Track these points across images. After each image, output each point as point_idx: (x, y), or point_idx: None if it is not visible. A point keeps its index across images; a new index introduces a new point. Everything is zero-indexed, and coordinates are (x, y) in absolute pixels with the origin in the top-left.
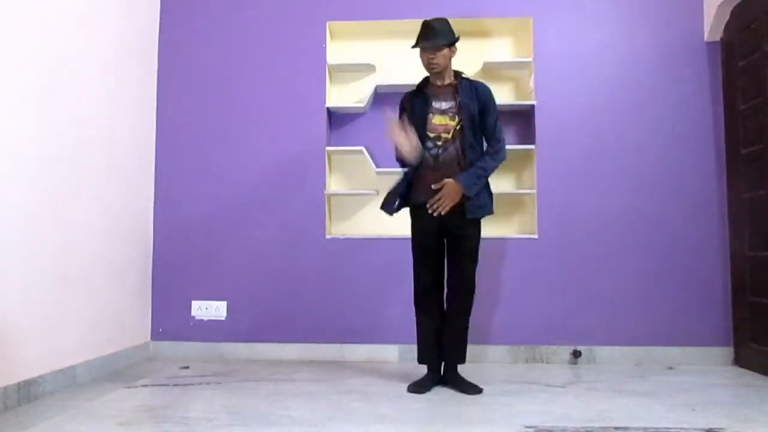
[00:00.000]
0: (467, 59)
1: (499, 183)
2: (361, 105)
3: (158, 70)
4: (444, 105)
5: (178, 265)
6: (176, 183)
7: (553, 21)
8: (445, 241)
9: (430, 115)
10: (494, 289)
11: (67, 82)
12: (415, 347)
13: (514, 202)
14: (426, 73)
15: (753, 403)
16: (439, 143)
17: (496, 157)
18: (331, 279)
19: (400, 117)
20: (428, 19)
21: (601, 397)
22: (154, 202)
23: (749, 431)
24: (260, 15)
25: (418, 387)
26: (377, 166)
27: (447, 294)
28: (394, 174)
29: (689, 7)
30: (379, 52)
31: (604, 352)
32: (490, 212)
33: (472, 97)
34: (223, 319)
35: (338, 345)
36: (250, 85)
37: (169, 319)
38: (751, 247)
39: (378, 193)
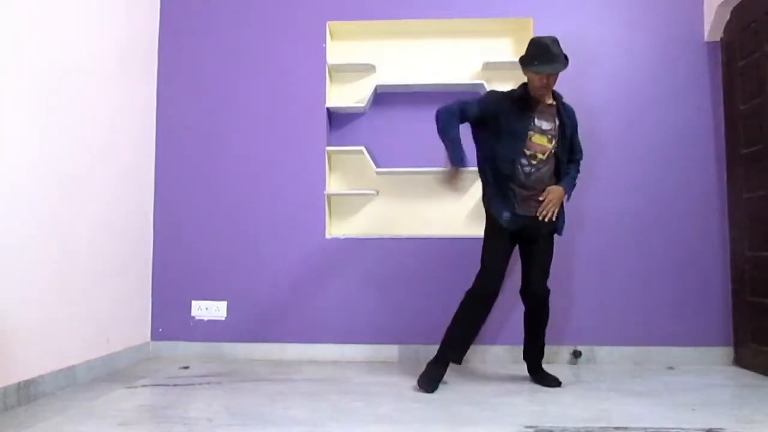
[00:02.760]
0: (467, 59)
1: None
2: (361, 105)
3: (158, 70)
4: (545, 125)
5: (178, 265)
6: (176, 183)
7: (553, 21)
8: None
9: (531, 132)
10: None
11: (67, 83)
12: (414, 347)
13: None
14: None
15: (753, 403)
16: (534, 162)
17: (578, 168)
18: (331, 279)
19: (482, 109)
20: (541, 37)
21: (601, 397)
22: (154, 202)
23: (749, 431)
24: (260, 15)
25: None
26: (377, 166)
27: (528, 301)
28: (394, 174)
29: (689, 7)
30: (379, 52)
31: (604, 352)
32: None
33: (568, 120)
34: (223, 319)
35: (338, 345)
36: (250, 85)
37: (169, 319)
38: (751, 247)
39: (378, 193)
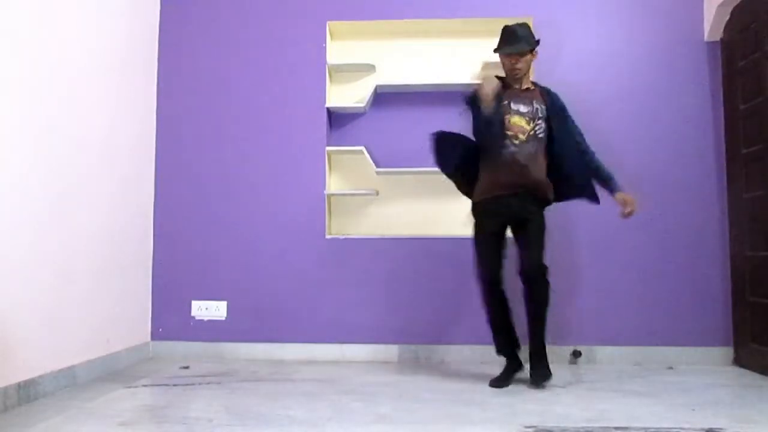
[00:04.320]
0: (467, 59)
1: None
2: (361, 105)
3: (158, 70)
4: (522, 108)
5: (178, 265)
6: (176, 183)
7: (553, 21)
8: (509, 228)
9: (508, 116)
10: None
11: (68, 84)
12: (414, 347)
13: None
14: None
15: (753, 403)
16: (516, 142)
17: (595, 157)
18: (331, 279)
19: (467, 104)
20: (509, 24)
21: (601, 397)
22: (154, 202)
23: (749, 431)
24: (260, 15)
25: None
26: (377, 166)
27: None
28: (394, 174)
29: (689, 7)
30: (379, 52)
31: (604, 352)
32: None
33: (552, 104)
34: (223, 319)
35: (338, 345)
36: (250, 86)
37: (169, 319)
38: (751, 247)
39: (378, 193)
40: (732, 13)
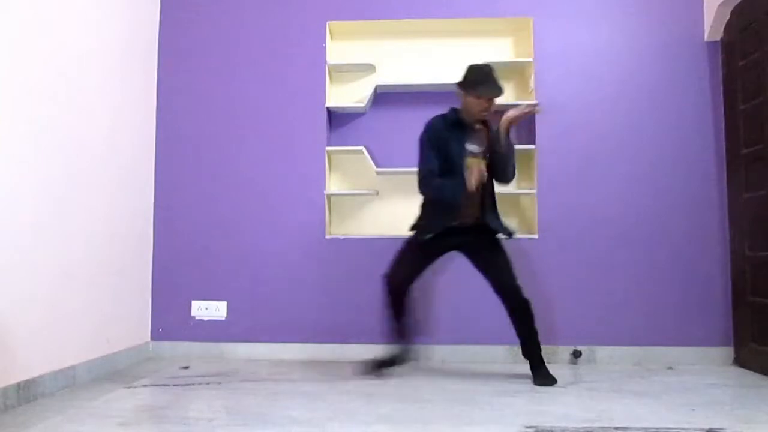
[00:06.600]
0: (467, 59)
1: None
2: (361, 105)
3: (158, 70)
4: (476, 149)
5: (178, 265)
6: (176, 183)
7: (553, 21)
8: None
9: (465, 158)
10: None
11: (68, 83)
12: (415, 347)
13: (514, 202)
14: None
15: (753, 403)
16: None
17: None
18: (331, 279)
19: (426, 140)
20: (480, 64)
21: (601, 397)
22: (154, 202)
23: (749, 431)
24: (260, 15)
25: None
26: (377, 166)
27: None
28: (394, 174)
29: (689, 7)
30: (379, 52)
31: (604, 352)
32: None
33: (491, 139)
34: (223, 319)
35: (338, 345)
36: (250, 85)
37: (169, 319)
38: (751, 247)
39: (378, 193)
40: (732, 13)
